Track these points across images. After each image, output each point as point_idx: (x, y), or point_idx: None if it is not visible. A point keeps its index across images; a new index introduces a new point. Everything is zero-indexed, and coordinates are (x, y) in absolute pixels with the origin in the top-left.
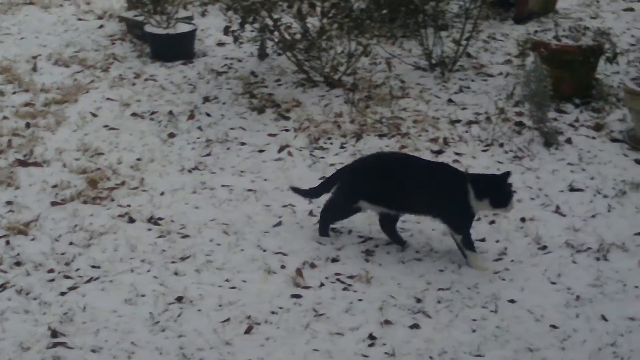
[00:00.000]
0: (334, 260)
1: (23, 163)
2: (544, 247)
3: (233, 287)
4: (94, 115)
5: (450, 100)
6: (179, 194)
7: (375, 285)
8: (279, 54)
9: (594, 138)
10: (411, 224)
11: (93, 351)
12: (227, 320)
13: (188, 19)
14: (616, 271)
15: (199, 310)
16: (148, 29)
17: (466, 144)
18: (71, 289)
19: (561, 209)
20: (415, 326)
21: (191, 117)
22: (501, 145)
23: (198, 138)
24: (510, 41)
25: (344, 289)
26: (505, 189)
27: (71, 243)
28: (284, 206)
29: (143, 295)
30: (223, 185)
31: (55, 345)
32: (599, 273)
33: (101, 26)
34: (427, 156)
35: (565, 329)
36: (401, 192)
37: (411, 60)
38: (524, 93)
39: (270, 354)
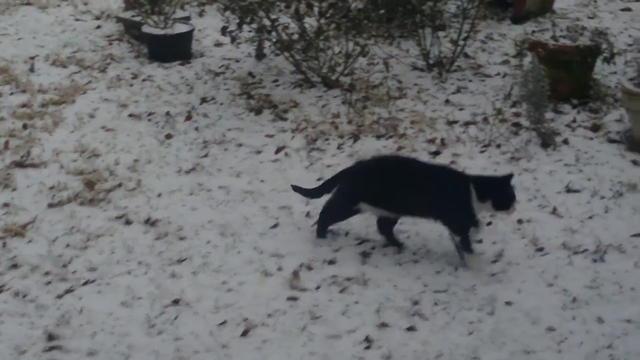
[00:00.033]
0: (331, 262)
1: (20, 164)
2: (541, 249)
3: (230, 290)
4: (92, 116)
5: (447, 101)
6: (176, 196)
7: (371, 287)
8: (277, 55)
9: (591, 139)
10: (408, 225)
11: (89, 354)
12: (224, 322)
13: (185, 20)
14: (613, 273)
15: (196, 312)
16: (145, 29)
17: (464, 144)
18: (68, 291)
19: (558, 210)
20: (411, 328)
21: (188, 118)
22: (498, 146)
23: (195, 139)
24: (508, 41)
25: (341, 291)
26: (508, 191)
27: (68, 245)
28: (281, 208)
29: (140, 298)
30: (220, 187)
31: (51, 348)
32: (595, 275)
33: (99, 27)
34: (425, 157)
35: (562, 331)
36: (403, 194)
37: (409, 60)
38: (521, 93)
39: (267, 357)
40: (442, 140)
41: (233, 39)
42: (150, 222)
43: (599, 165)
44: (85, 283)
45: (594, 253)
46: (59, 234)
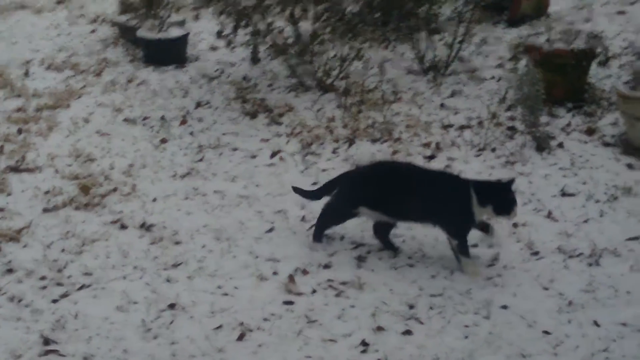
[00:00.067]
0: (327, 266)
1: (15, 169)
2: (536, 253)
3: (225, 294)
4: (86, 120)
5: (442, 105)
6: (171, 200)
7: (367, 291)
8: (272, 59)
9: (586, 142)
10: (403, 230)
11: (85, 358)
12: (220, 327)
13: (180, 24)
14: (608, 276)
15: (191, 317)
16: (140, 33)
17: (458, 148)
18: (63, 296)
19: (553, 214)
20: (407, 332)
21: (183, 122)
22: (493, 149)
23: (190, 143)
24: (503, 45)
25: (337, 295)
26: (510, 196)
27: (63, 250)
28: (276, 212)
29: (135, 302)
30: (215, 191)
31: (47, 352)
32: (591, 278)
33: (93, 31)
34: (420, 161)
35: (558, 334)
36: (404, 200)
37: (404, 64)
38: (516, 97)
39: None
40: (437, 144)
41: (228, 43)
42: (145, 227)
43: (594, 169)
44: (81, 288)
45: (589, 257)
46: (54, 239)
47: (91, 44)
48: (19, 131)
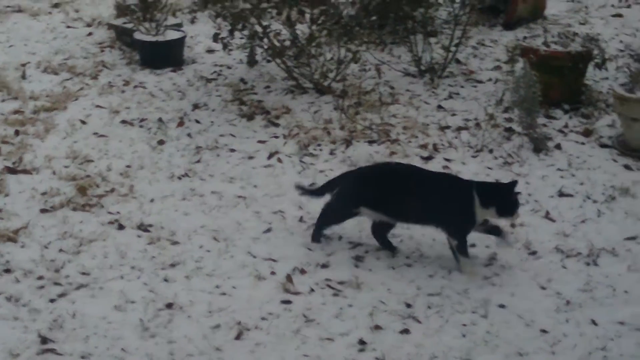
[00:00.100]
0: (324, 266)
1: (12, 170)
2: (534, 253)
3: (223, 294)
4: (83, 122)
5: (439, 107)
6: (169, 201)
7: (365, 290)
8: (269, 61)
9: (583, 144)
10: (401, 230)
11: (83, 358)
12: (217, 326)
13: (177, 26)
14: (606, 276)
15: (189, 316)
16: (137, 36)
17: (456, 150)
18: (61, 295)
19: (551, 214)
20: (405, 331)
21: (181, 124)
22: (491, 151)
23: (188, 145)
24: (500, 47)
25: (334, 294)
26: (512, 197)
27: (61, 250)
28: (274, 213)
29: (133, 302)
30: (213, 192)
31: (44, 351)
32: (588, 278)
33: (90, 34)
34: (417, 163)
35: (555, 333)
36: (405, 200)
37: (400, 66)
38: (513, 99)
39: None
40: (435, 145)
41: (225, 46)
42: (143, 227)
43: (591, 170)
44: (79, 287)
45: (587, 256)
46: (52, 239)
47: (88, 46)
48: (16, 133)
